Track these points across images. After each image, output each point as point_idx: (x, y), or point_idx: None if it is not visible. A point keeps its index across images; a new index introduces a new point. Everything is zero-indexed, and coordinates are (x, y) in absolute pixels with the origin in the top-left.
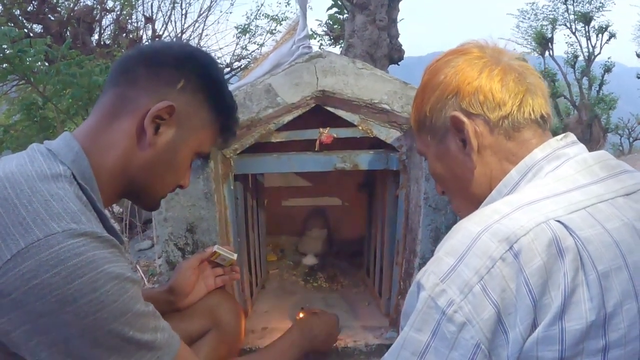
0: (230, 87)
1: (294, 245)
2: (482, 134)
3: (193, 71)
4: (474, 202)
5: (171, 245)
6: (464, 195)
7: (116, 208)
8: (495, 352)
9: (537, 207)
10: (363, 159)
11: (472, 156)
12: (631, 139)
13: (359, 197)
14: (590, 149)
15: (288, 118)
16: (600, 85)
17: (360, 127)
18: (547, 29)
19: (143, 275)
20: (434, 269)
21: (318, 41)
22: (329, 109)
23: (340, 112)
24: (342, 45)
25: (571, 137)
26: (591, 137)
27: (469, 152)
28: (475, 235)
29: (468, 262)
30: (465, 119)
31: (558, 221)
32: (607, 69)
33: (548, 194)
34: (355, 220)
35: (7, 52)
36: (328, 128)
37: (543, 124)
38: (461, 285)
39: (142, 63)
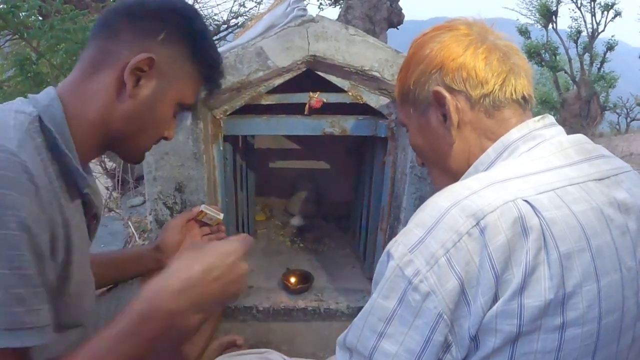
0: (223, 48)
1: (283, 206)
2: (462, 109)
3: (175, 23)
4: (452, 175)
5: (160, 204)
6: (442, 168)
7: (109, 164)
8: (457, 323)
9: (507, 185)
10: (352, 125)
11: (452, 131)
12: (629, 119)
13: (348, 162)
14: (587, 126)
15: (278, 81)
16: (602, 62)
17: (350, 93)
18: (552, 1)
19: (134, 231)
20: (403, 240)
21: (318, 0)
22: (319, 73)
23: (331, 78)
24: (342, 6)
25: (549, 118)
26: (589, 113)
27: (449, 126)
28: (445, 209)
29: (436, 235)
30: (447, 94)
31: (525, 201)
32: (610, 46)
33: (520, 173)
34: (343, 184)
35: (0, 7)
36: (318, 92)
37: (524, 104)
38: (428, 257)
39: (123, 16)
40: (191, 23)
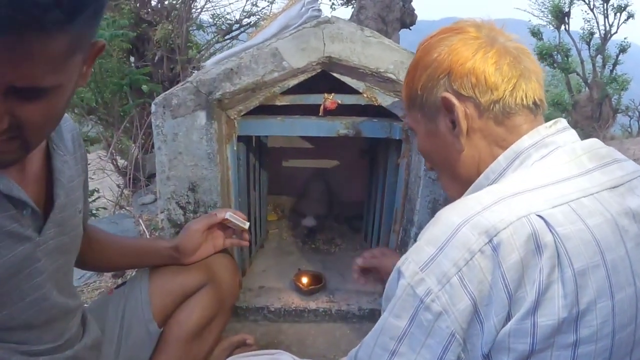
0: (237, 48)
1: (295, 206)
2: (472, 116)
3: None
4: (461, 182)
5: (173, 203)
6: (450, 175)
7: (120, 162)
8: (470, 341)
9: (519, 199)
10: (366, 127)
11: (461, 138)
12: None
13: (361, 163)
14: (599, 128)
15: (293, 82)
16: (614, 64)
17: (365, 95)
18: (564, 2)
19: (145, 229)
20: (414, 258)
21: (330, 0)
22: (334, 75)
23: (346, 79)
24: (354, 6)
25: (562, 123)
26: (600, 116)
27: (458, 134)
28: (456, 226)
29: (447, 253)
30: (455, 101)
31: (539, 216)
32: (623, 49)
33: (532, 185)
34: (356, 185)
35: None
36: (333, 94)
37: (535, 109)
38: (439, 276)
39: None
40: None
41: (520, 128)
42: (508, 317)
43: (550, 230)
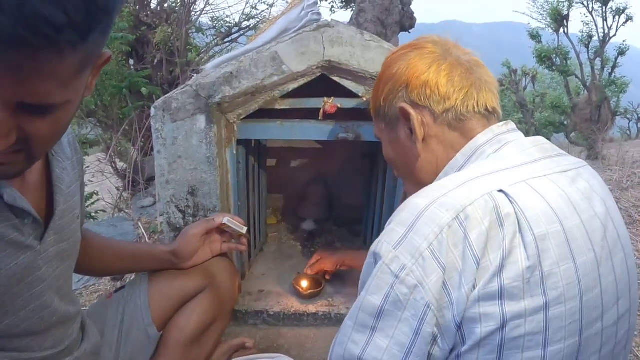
0: (237, 52)
1: (294, 210)
2: (427, 124)
3: None
4: (422, 186)
5: (172, 207)
6: (412, 180)
7: (120, 164)
8: (441, 313)
9: (481, 181)
10: (366, 130)
11: (417, 145)
12: (639, 124)
13: (361, 166)
14: (598, 131)
15: (293, 86)
16: (613, 67)
17: (364, 99)
18: (563, 5)
19: (144, 232)
20: (386, 239)
21: (329, 3)
22: (334, 78)
23: (346, 83)
24: (354, 9)
25: (511, 124)
26: (599, 118)
27: (415, 140)
28: (424, 207)
29: (418, 230)
30: (411, 111)
31: (500, 191)
32: (622, 51)
33: (491, 171)
34: (356, 188)
35: None
36: (332, 98)
37: (488, 115)
38: (412, 251)
39: None
40: None
41: (474, 131)
42: (475, 286)
43: (511, 202)
